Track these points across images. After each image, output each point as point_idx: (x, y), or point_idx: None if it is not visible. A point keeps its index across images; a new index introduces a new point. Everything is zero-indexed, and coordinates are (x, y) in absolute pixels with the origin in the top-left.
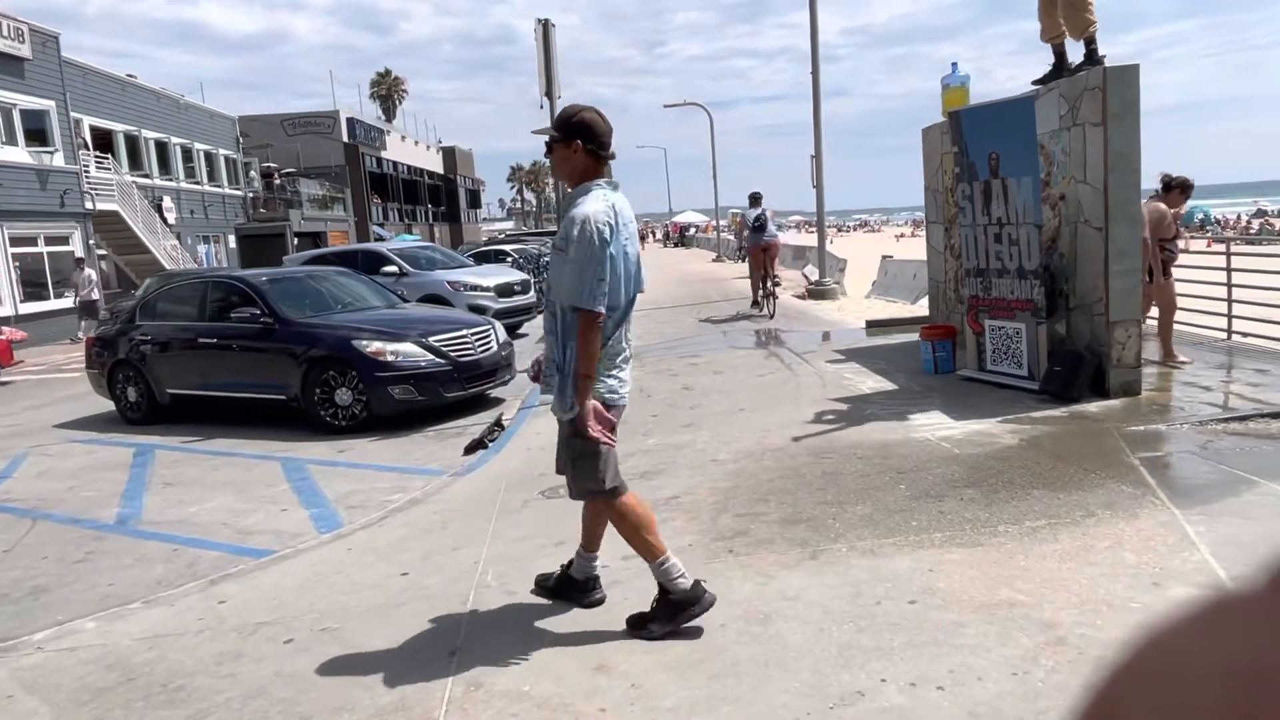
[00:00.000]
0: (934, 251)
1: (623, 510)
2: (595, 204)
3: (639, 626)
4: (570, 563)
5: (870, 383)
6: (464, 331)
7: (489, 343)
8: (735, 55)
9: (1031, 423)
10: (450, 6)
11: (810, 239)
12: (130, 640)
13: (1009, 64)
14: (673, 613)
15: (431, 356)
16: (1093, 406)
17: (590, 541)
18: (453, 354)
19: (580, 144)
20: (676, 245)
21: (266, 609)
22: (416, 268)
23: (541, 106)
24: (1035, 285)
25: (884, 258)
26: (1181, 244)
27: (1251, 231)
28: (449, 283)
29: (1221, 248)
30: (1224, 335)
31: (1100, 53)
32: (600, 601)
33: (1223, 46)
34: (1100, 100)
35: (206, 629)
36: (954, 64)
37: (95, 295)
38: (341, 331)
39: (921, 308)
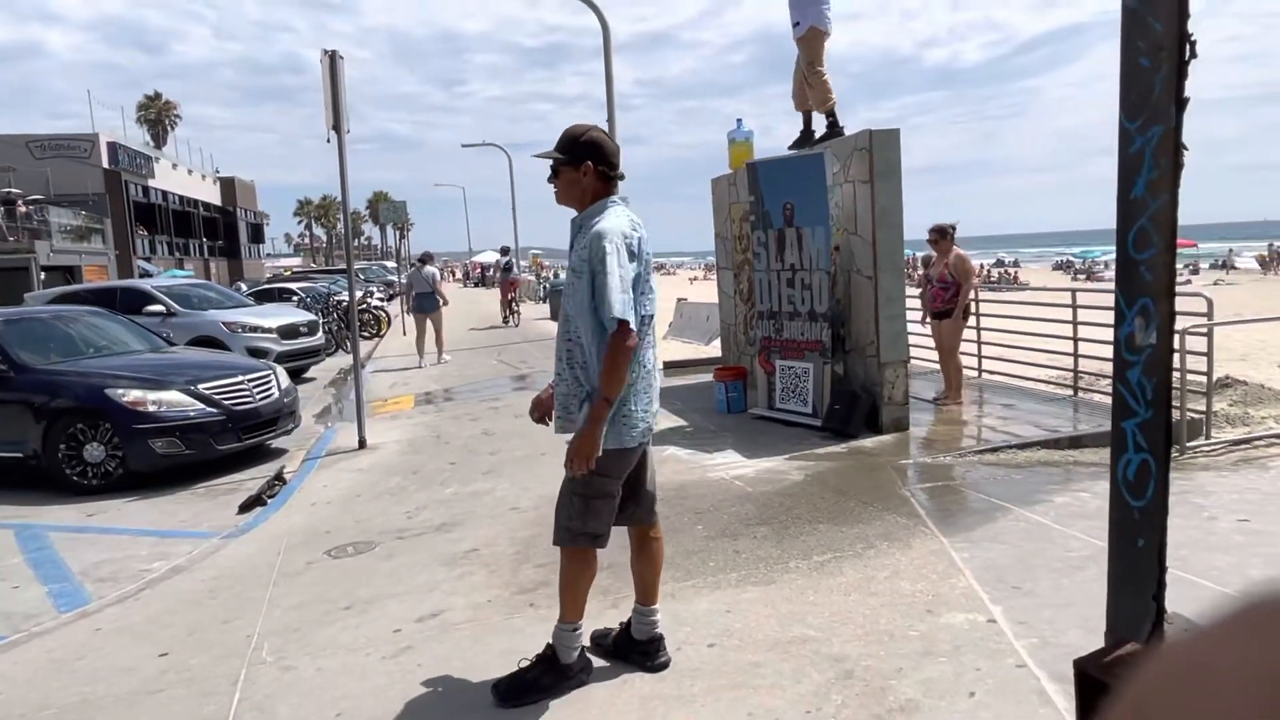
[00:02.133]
0: (725, 296)
1: (591, 564)
2: (617, 219)
3: (518, 693)
4: (629, 621)
5: (668, 423)
6: (240, 377)
7: (269, 389)
8: (535, 99)
9: (816, 459)
10: (231, 30)
11: None
12: None
13: (789, 121)
14: (549, 679)
15: (201, 405)
16: (868, 442)
17: (645, 593)
18: (226, 402)
19: (591, 165)
20: (477, 285)
21: None
22: (187, 307)
23: (329, 140)
24: (824, 327)
25: (679, 300)
26: (934, 288)
27: (993, 280)
28: (225, 323)
29: (970, 294)
30: (975, 373)
31: (840, 124)
32: (665, 665)
33: (967, 116)
34: (867, 160)
35: None
36: (739, 120)
37: None
38: (93, 379)
39: (715, 349)
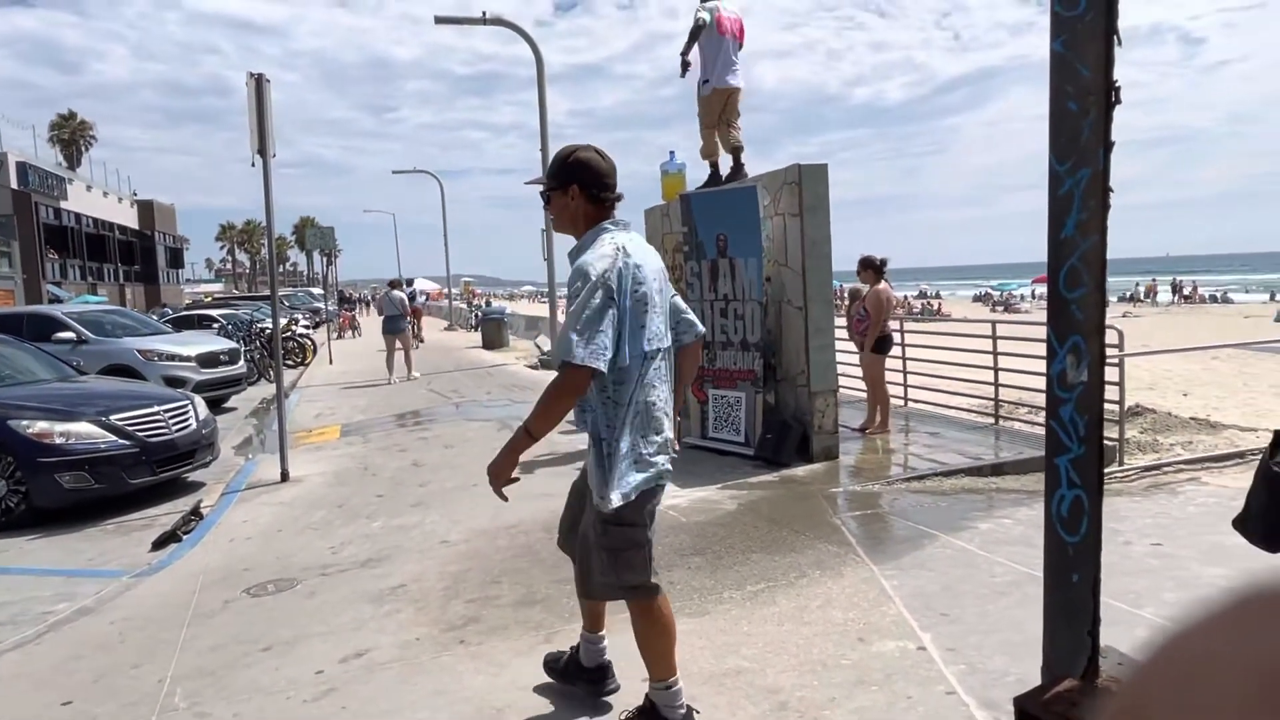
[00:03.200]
0: None
1: (658, 614)
2: (600, 249)
3: None
4: (577, 646)
5: None
6: (155, 408)
7: (186, 420)
8: (468, 126)
9: (749, 488)
10: (152, 51)
11: (542, 309)
12: None
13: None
14: None
15: (113, 437)
16: (800, 470)
17: (594, 619)
18: (141, 434)
19: (577, 188)
20: None
21: None
22: (100, 334)
23: (254, 164)
24: (756, 357)
25: None
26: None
27: (915, 311)
28: (140, 351)
29: (896, 324)
30: (901, 402)
31: (721, 174)
32: (614, 691)
33: (890, 153)
34: (797, 194)
35: None
36: (671, 152)
37: None
38: None
39: None
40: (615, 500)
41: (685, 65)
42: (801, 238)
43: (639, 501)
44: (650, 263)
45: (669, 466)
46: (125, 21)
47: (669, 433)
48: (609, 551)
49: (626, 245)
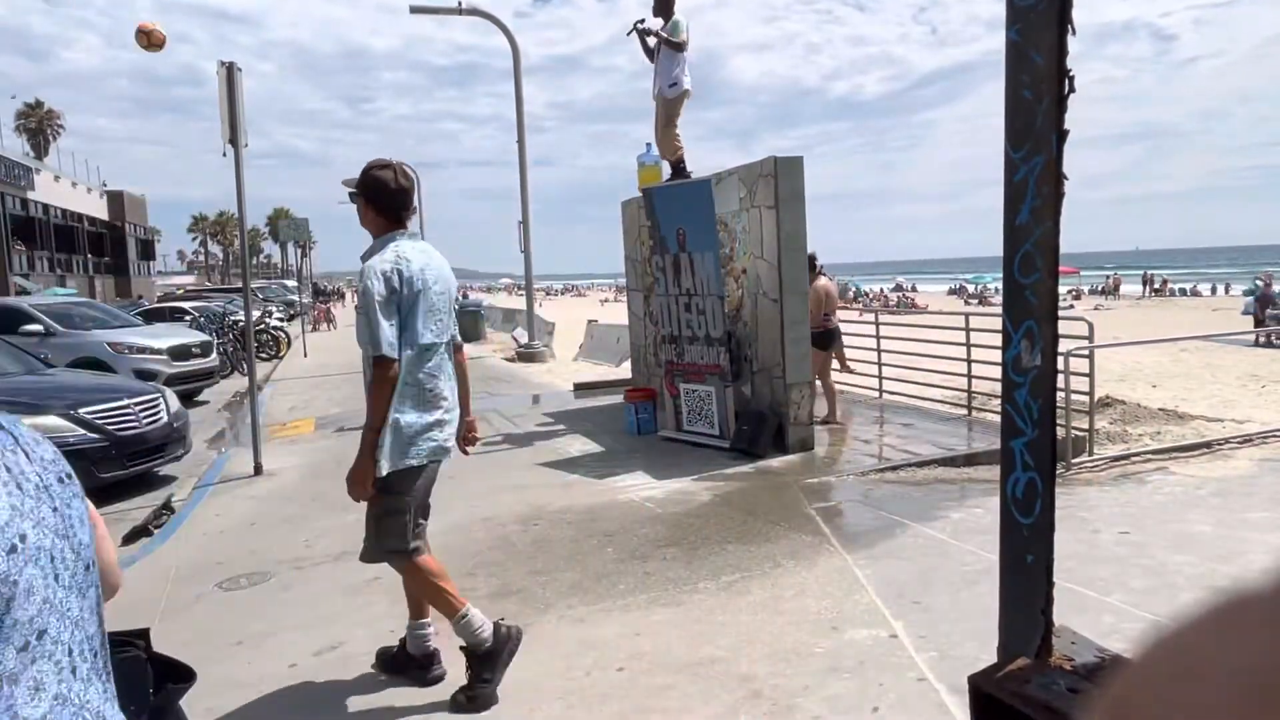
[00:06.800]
0: (635, 317)
1: (417, 572)
2: (384, 255)
3: (470, 698)
4: (404, 639)
5: (578, 445)
6: (125, 401)
7: (157, 413)
8: (445, 118)
9: (724, 479)
10: (123, 39)
11: (519, 302)
12: None
13: (698, 148)
14: (490, 669)
15: (82, 431)
16: (776, 461)
17: (416, 607)
18: (110, 427)
19: (364, 201)
20: None
21: None
22: (68, 327)
23: (224, 154)
24: (721, 351)
25: (590, 322)
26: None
27: (891, 304)
28: (110, 344)
29: (871, 317)
30: (876, 394)
31: (688, 169)
32: (440, 678)
33: (867, 147)
34: (772, 186)
35: None
36: (648, 144)
37: None
38: None
39: (625, 370)
40: (385, 467)
41: (640, 31)
42: (777, 230)
43: (410, 473)
44: (431, 267)
45: (446, 445)
46: (95, 9)
47: (446, 417)
48: (374, 518)
49: (407, 252)
